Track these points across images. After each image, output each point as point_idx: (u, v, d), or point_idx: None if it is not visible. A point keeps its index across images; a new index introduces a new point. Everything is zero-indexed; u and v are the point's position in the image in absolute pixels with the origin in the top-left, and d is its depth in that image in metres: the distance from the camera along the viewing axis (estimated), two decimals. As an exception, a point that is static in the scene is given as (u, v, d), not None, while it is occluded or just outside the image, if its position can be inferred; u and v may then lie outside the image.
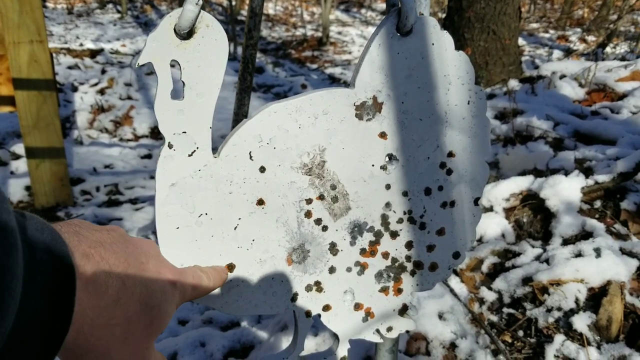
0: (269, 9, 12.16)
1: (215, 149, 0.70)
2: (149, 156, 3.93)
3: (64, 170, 2.93)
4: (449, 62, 0.77)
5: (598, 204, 1.86)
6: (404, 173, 0.79)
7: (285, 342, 1.48)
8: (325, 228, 0.77)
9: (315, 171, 0.74)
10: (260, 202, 0.72)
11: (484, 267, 1.68)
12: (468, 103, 0.80)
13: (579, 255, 1.59)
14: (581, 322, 1.43)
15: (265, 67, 6.41)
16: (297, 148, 0.73)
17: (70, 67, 5.57)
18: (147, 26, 9.12)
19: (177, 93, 0.66)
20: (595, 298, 1.51)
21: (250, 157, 0.71)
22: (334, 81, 5.92)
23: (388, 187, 0.79)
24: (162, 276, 0.57)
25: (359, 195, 0.78)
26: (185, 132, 0.67)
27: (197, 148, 0.68)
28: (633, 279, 1.58)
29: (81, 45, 7.04)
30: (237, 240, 0.72)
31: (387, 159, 0.78)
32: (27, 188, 3.16)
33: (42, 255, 0.41)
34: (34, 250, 0.41)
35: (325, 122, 0.73)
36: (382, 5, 12.49)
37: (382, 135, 0.76)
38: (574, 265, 1.53)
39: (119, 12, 10.33)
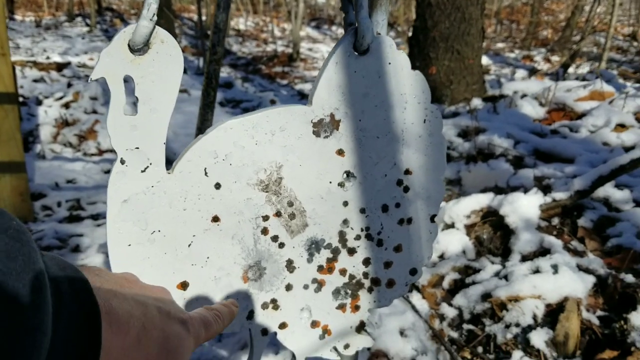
0: (240, 24, 12.17)
1: (169, 164, 0.69)
2: (112, 171, 3.86)
3: (24, 185, 2.86)
4: (405, 81, 0.78)
5: (556, 221, 1.90)
6: (362, 190, 0.79)
7: (246, 360, 1.46)
8: (282, 245, 0.77)
9: (272, 188, 0.74)
10: (216, 219, 0.72)
11: (445, 284, 1.70)
12: (424, 122, 0.80)
13: (537, 271, 1.61)
14: (539, 338, 1.45)
15: (234, 82, 6.39)
16: (254, 165, 0.72)
17: (35, 81, 5.46)
18: (116, 40, 9.03)
19: (130, 108, 0.65)
20: (553, 314, 1.54)
21: (206, 173, 0.70)
22: (303, 97, 5.93)
23: (345, 204, 0.79)
24: (176, 321, 0.57)
25: (316, 212, 0.78)
26: (138, 148, 0.66)
27: (151, 164, 0.67)
28: (590, 295, 1.62)
29: (48, 58, 6.90)
30: (191, 257, 0.71)
31: (344, 176, 0.78)
32: (-15, 203, 3.07)
33: (67, 292, 0.42)
34: (59, 288, 0.41)
35: (283, 139, 0.73)
36: (354, 23, 12.58)
37: (340, 152, 0.77)
38: (532, 282, 1.56)
39: (87, 25, 10.16)
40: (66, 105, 4.75)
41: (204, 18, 9.05)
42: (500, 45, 9.49)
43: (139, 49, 0.63)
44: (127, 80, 0.65)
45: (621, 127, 3.14)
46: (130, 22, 10.85)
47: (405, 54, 0.78)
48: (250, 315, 0.77)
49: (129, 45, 0.63)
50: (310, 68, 8.08)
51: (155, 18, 0.62)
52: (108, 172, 3.92)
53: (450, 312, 1.58)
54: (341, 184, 0.78)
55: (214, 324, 0.65)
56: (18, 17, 10.84)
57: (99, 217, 3.12)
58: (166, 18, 6.55)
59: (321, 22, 13.17)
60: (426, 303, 1.61)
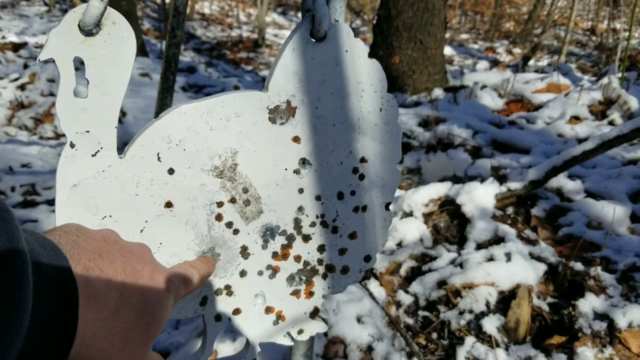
0: (205, 8, 11.99)
1: (121, 150, 0.68)
2: (69, 155, 3.77)
3: (-25, 169, 2.77)
4: (362, 70, 0.78)
5: (510, 210, 1.95)
6: (317, 177, 0.80)
7: (203, 347, 1.45)
8: (236, 231, 0.76)
9: (226, 174, 0.74)
10: (169, 204, 0.71)
11: (402, 271, 1.72)
12: (380, 110, 0.81)
13: (490, 259, 1.65)
14: (491, 324, 1.49)
15: (198, 66, 6.30)
16: (208, 150, 0.72)
17: (-11, 61, 5.29)
18: (75, 21, 8.76)
19: (81, 91, 0.63)
20: (505, 301, 1.58)
21: (159, 158, 0.69)
22: (268, 84, 5.90)
23: (301, 191, 0.79)
24: (156, 282, 0.58)
25: (271, 199, 0.78)
26: (88, 132, 0.64)
27: (101, 148, 0.66)
28: (541, 282, 1.67)
29: (3, 37, 6.66)
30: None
31: (300, 163, 0.78)
32: None
33: (47, 270, 0.43)
34: (40, 266, 0.42)
35: (238, 125, 0.73)
36: (321, 10, 12.54)
37: (296, 139, 0.77)
38: (486, 269, 1.60)
39: (46, 4, 9.80)
40: (22, 87, 4.62)
41: (167, 0, 8.89)
42: (464, 36, 9.61)
43: (89, 30, 0.62)
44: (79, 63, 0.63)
45: (576, 119, 3.23)
46: (90, 2, 10.53)
47: (362, 42, 0.78)
48: (204, 301, 0.77)
49: (79, 26, 0.61)
50: (276, 54, 8.02)
51: (107, -1, 0.61)
52: (65, 156, 3.85)
53: (406, 299, 1.61)
54: (297, 171, 0.78)
55: (193, 279, 0.65)
56: (-29, -5, 10.43)
57: (54, 203, 3.04)
58: (127, 0, 6.40)
59: (287, 8, 13.07)
60: (383, 290, 1.63)
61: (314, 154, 0.78)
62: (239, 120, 0.72)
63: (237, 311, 0.80)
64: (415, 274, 1.71)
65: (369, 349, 1.46)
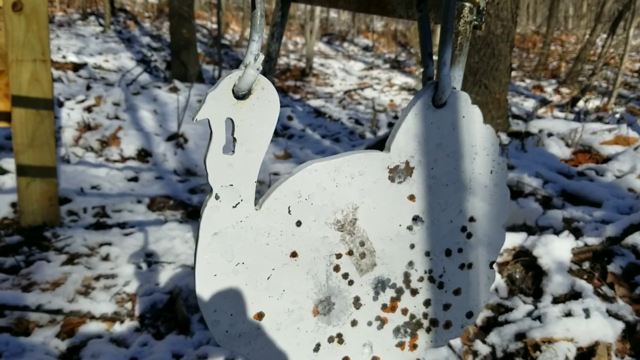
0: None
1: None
2: (135, 179, 3.89)
3: (54, 190, 2.90)
4: (477, 134, 0.82)
5: (586, 265, 1.92)
6: (428, 234, 0.83)
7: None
8: (351, 282, 0.81)
9: (347, 228, 0.78)
10: (294, 254, 0.76)
11: (478, 320, 1.72)
12: (491, 172, 0.85)
13: (569, 314, 1.64)
14: (570, 381, 1.47)
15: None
16: (333, 205, 0.77)
17: (53, 80, 5.51)
18: (129, 42, 8.98)
19: (227, 147, 0.69)
20: (584, 357, 1.56)
21: (289, 211, 0.74)
22: (319, 115, 5.98)
23: (412, 246, 0.83)
24: None
25: (385, 253, 0.82)
26: (232, 185, 0.70)
27: (242, 200, 0.71)
28: (619, 340, 1.64)
29: (64, 57, 6.89)
30: (269, 289, 0.75)
31: (413, 220, 0.82)
32: (13, 205, 3.11)
33: None
34: None
35: (361, 182, 0.77)
36: (364, 41, 12.75)
37: (411, 197, 0.81)
38: (565, 325, 1.58)
39: (101, 25, 10.05)
40: (88, 109, 4.77)
41: (214, 26, 9.07)
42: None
43: (242, 94, 0.68)
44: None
45: (648, 173, 3.15)
46: (143, 25, 10.85)
47: (479, 109, 0.82)
48: (317, 347, 0.81)
49: (232, 91, 0.68)
50: (322, 84, 8.10)
51: (261, 68, 0.67)
52: (132, 179, 3.98)
53: (483, 349, 1.60)
54: (410, 228, 0.82)
55: None
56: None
57: (125, 226, 3.13)
58: (189, 28, 6.63)
59: (332, 37, 13.18)
60: (459, 339, 1.64)
61: (427, 211, 0.82)
62: (362, 178, 0.77)
63: (346, 359, 0.83)
64: (491, 324, 1.71)
65: (443, 398, 1.46)
